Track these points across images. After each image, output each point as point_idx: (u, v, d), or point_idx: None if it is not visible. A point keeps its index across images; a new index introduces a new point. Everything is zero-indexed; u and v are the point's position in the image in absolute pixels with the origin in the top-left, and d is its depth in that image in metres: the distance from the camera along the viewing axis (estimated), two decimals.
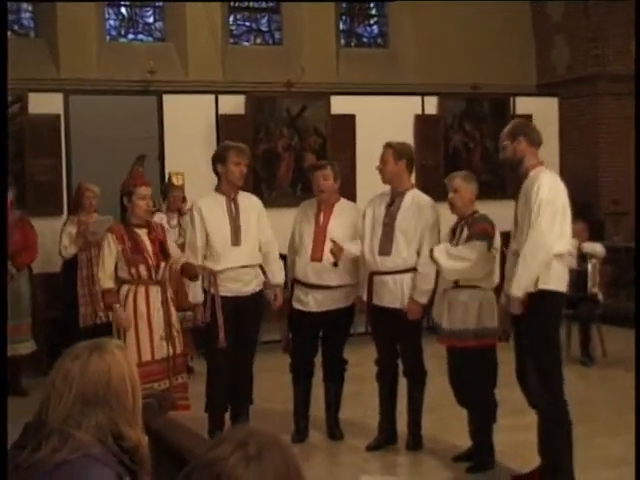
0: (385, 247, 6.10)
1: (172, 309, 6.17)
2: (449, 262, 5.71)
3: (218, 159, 6.37)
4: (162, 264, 6.09)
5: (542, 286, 5.11)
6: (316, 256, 6.35)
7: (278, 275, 6.50)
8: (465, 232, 5.79)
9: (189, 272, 6.16)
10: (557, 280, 5.18)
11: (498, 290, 5.76)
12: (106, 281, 6.11)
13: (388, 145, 6.22)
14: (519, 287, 5.12)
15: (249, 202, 6.48)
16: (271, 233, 6.51)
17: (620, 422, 6.17)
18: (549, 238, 5.08)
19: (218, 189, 6.44)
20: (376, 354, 6.36)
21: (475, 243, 5.68)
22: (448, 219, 6.12)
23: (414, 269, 6.04)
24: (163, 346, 6.04)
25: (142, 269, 6.04)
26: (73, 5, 10.80)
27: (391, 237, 6.08)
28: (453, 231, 5.93)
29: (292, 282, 6.51)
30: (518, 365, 5.41)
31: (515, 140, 5.32)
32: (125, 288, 6.08)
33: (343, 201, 6.57)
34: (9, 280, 7.71)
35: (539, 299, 5.13)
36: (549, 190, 5.12)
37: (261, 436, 1.78)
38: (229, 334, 6.27)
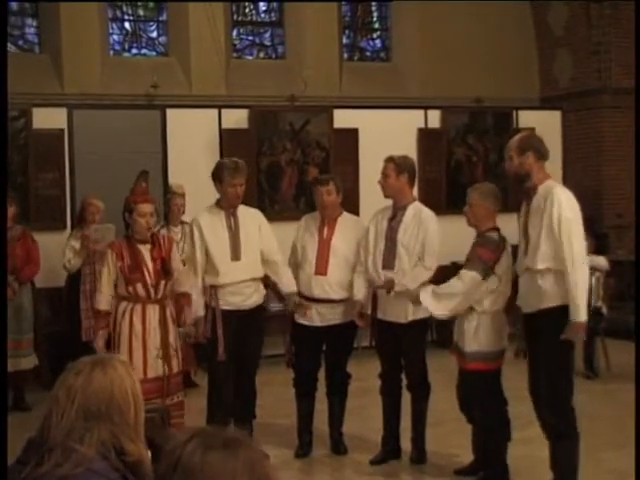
0: (388, 261, 6.09)
1: (171, 328, 6.09)
2: (439, 304, 5.59)
3: (215, 178, 6.41)
4: (162, 282, 6.06)
5: (561, 302, 5.10)
6: (320, 270, 6.34)
7: (290, 283, 6.44)
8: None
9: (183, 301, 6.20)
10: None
11: (506, 311, 5.72)
12: (101, 302, 6.10)
13: (390, 159, 6.21)
14: (583, 311, 5.09)
15: (249, 216, 6.48)
16: (275, 242, 6.50)
17: (624, 435, 6.15)
18: (584, 256, 5.12)
19: (218, 204, 6.46)
20: (380, 368, 6.35)
21: (464, 274, 5.55)
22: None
23: None
24: (158, 365, 5.98)
25: (139, 287, 5.99)
26: (77, 20, 10.84)
27: (394, 251, 6.08)
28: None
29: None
30: (531, 379, 5.37)
31: (523, 154, 5.27)
32: (123, 305, 6.04)
33: (346, 215, 6.57)
34: (12, 294, 7.71)
35: (561, 315, 5.10)
36: (570, 208, 5.10)
37: (229, 433, 1.79)
38: (231, 348, 6.27)
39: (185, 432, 1.81)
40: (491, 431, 5.70)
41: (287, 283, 6.45)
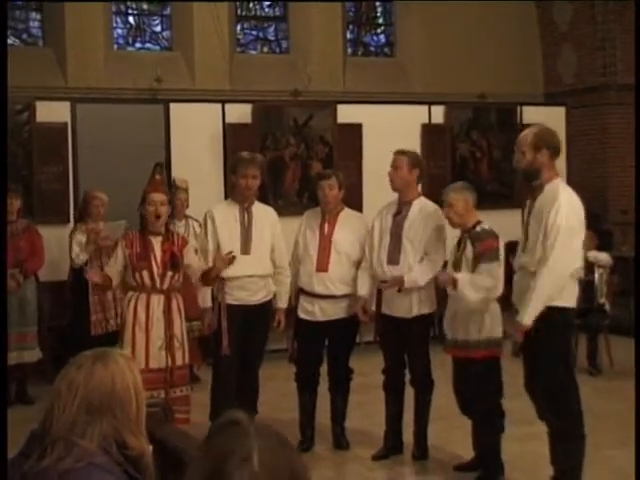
0: (393, 256, 6.09)
1: (176, 320, 6.08)
2: (475, 295, 5.56)
3: (231, 169, 6.52)
4: (169, 274, 6.07)
5: (555, 303, 5.07)
6: (321, 266, 6.34)
7: (283, 299, 6.52)
8: (469, 247, 5.66)
9: (208, 278, 6.13)
10: (568, 296, 5.15)
11: (501, 300, 5.72)
12: (108, 271, 6.18)
13: (402, 152, 6.21)
14: (529, 317, 5.03)
15: (264, 213, 6.51)
16: (284, 246, 6.53)
17: (627, 433, 6.14)
18: (563, 268, 5.03)
19: (233, 197, 6.52)
20: (383, 363, 6.35)
21: (491, 267, 5.55)
22: (454, 231, 6.08)
23: None
24: (161, 356, 5.97)
25: (145, 276, 6.01)
26: (81, 14, 10.85)
27: (399, 246, 6.07)
28: (458, 245, 5.81)
29: (297, 292, 6.51)
30: (527, 376, 5.36)
31: (538, 152, 5.11)
32: (129, 295, 6.09)
33: (348, 210, 6.57)
34: (16, 287, 7.72)
35: (551, 315, 5.07)
36: (567, 215, 4.99)
37: (263, 445, 1.76)
38: (235, 342, 6.28)
39: (227, 453, 1.77)
40: (488, 422, 5.73)
41: (281, 297, 6.52)
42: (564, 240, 4.97)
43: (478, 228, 5.72)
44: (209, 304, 6.37)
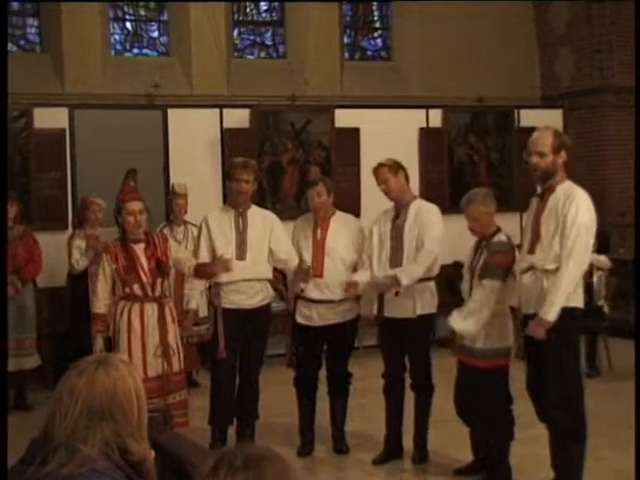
0: (395, 259, 6.09)
1: (170, 326, 6.10)
2: (470, 322, 5.52)
3: (226, 175, 6.68)
4: (159, 280, 6.07)
5: (571, 304, 5.09)
6: (316, 272, 6.34)
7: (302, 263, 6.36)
8: (484, 255, 5.61)
9: (204, 272, 6.14)
10: (579, 297, 5.19)
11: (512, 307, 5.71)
12: (97, 305, 6.14)
13: (380, 165, 6.20)
14: (555, 313, 5.03)
15: (261, 217, 6.51)
16: (290, 244, 6.48)
17: (626, 435, 6.15)
18: (583, 264, 5.09)
19: (229, 203, 6.56)
20: (382, 368, 6.35)
21: (485, 284, 5.49)
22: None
23: (423, 279, 6.03)
24: (157, 363, 5.99)
25: (136, 288, 6.02)
26: (78, 20, 10.84)
27: (401, 248, 6.09)
28: (475, 250, 5.77)
29: (295, 297, 6.50)
30: (530, 379, 5.35)
31: (557, 153, 5.16)
32: (121, 304, 6.08)
33: (339, 214, 6.55)
34: (15, 294, 7.71)
35: (567, 316, 5.07)
36: (587, 212, 5.06)
37: (251, 450, 1.78)
38: (233, 347, 6.29)
39: (208, 458, 1.80)
40: (497, 430, 5.70)
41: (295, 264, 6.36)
42: (585, 238, 5.04)
43: (496, 238, 5.65)
44: (193, 306, 6.43)
